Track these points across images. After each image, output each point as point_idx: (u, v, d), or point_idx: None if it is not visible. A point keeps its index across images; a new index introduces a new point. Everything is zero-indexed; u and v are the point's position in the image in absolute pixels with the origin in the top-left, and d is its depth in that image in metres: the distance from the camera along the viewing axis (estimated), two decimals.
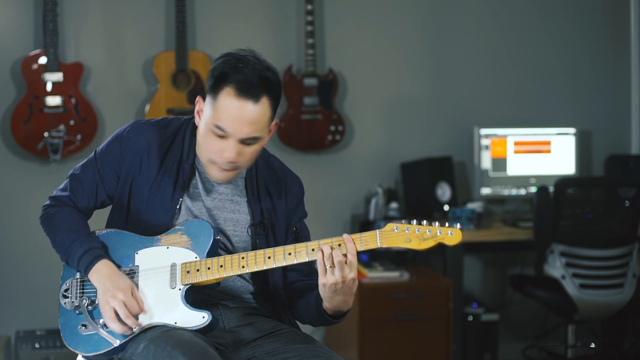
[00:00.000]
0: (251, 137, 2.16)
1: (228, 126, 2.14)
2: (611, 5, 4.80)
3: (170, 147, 2.28)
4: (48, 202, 2.34)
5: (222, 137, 2.16)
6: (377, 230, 2.13)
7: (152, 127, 2.30)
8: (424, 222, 2.12)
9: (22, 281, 4.25)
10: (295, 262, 2.15)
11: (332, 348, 4.54)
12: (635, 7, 4.78)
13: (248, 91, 2.12)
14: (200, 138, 2.22)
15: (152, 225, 2.26)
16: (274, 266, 2.16)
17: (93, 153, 2.33)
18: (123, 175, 2.28)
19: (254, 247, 2.29)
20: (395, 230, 2.12)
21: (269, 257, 2.16)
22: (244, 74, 2.13)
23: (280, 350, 2.21)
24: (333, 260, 2.09)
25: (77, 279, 2.25)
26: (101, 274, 2.20)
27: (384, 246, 2.12)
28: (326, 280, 2.10)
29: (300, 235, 2.36)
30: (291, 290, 2.34)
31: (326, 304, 2.18)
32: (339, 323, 2.28)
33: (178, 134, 2.30)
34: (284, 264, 2.16)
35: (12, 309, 4.24)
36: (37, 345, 3.98)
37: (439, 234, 2.10)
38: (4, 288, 4.24)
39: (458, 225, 2.12)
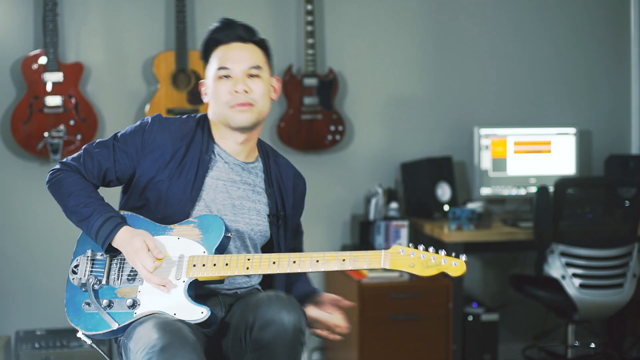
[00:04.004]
0: (253, 66, 2.36)
1: (229, 63, 2.35)
2: (611, 6, 4.80)
3: (191, 141, 2.38)
4: (57, 166, 2.38)
5: (228, 77, 2.35)
6: (383, 251, 2.17)
7: (174, 122, 2.41)
8: (431, 248, 2.16)
9: (22, 281, 4.25)
10: (299, 270, 2.20)
11: (332, 348, 4.56)
12: (635, 8, 4.78)
13: (236, 39, 2.39)
14: (212, 96, 2.38)
15: (170, 216, 2.32)
16: (277, 272, 2.21)
17: (113, 136, 2.39)
18: (142, 166, 2.35)
19: (271, 236, 2.42)
20: (401, 253, 2.16)
21: (274, 262, 2.21)
22: (228, 31, 2.40)
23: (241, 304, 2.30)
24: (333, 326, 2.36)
25: (88, 257, 2.30)
26: (121, 241, 2.24)
27: (387, 267, 2.16)
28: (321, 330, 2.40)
29: (299, 231, 2.54)
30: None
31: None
32: None
33: (197, 129, 2.41)
34: (287, 271, 2.21)
35: (12, 309, 4.24)
36: (37, 345, 3.98)
37: (443, 263, 2.14)
38: (4, 288, 4.24)
39: (463, 257, 2.14)
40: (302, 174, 2.56)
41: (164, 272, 2.24)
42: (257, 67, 2.36)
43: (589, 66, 4.79)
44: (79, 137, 4.12)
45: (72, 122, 4.11)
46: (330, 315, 2.37)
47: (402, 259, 2.15)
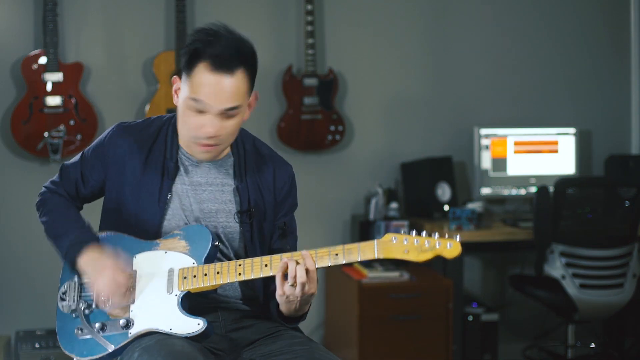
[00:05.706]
0: (230, 107, 2.15)
1: (205, 99, 2.13)
2: (611, 5, 4.80)
3: (152, 146, 2.28)
4: (42, 189, 2.40)
5: (200, 112, 2.15)
6: (375, 240, 2.11)
7: (133, 129, 2.31)
8: (423, 232, 2.11)
9: (22, 281, 4.25)
10: None
11: (331, 348, 4.55)
12: (635, 7, 4.78)
13: (223, 65, 2.12)
14: (179, 116, 2.22)
15: (143, 227, 2.26)
16: (271, 274, 2.15)
17: (81, 153, 2.36)
18: (109, 178, 2.30)
19: (241, 236, 2.29)
20: (394, 241, 2.09)
21: (266, 265, 2.15)
22: (218, 48, 2.12)
23: (278, 351, 2.21)
24: (295, 277, 2.09)
25: (75, 281, 2.25)
26: (88, 257, 2.20)
27: (381, 257, 2.09)
28: (283, 291, 2.12)
29: (288, 231, 2.36)
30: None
31: (282, 307, 2.20)
32: (293, 326, 2.29)
33: (160, 133, 2.30)
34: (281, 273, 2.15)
35: (12, 309, 4.25)
36: (37, 345, 3.98)
37: (437, 246, 2.09)
38: (4, 288, 4.24)
39: (458, 238, 2.10)
40: (287, 163, 2.38)
41: (154, 289, 2.19)
42: (236, 107, 2.16)
43: (589, 66, 4.79)
44: (79, 137, 4.12)
45: (72, 122, 4.11)
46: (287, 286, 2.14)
47: (395, 246, 2.09)
